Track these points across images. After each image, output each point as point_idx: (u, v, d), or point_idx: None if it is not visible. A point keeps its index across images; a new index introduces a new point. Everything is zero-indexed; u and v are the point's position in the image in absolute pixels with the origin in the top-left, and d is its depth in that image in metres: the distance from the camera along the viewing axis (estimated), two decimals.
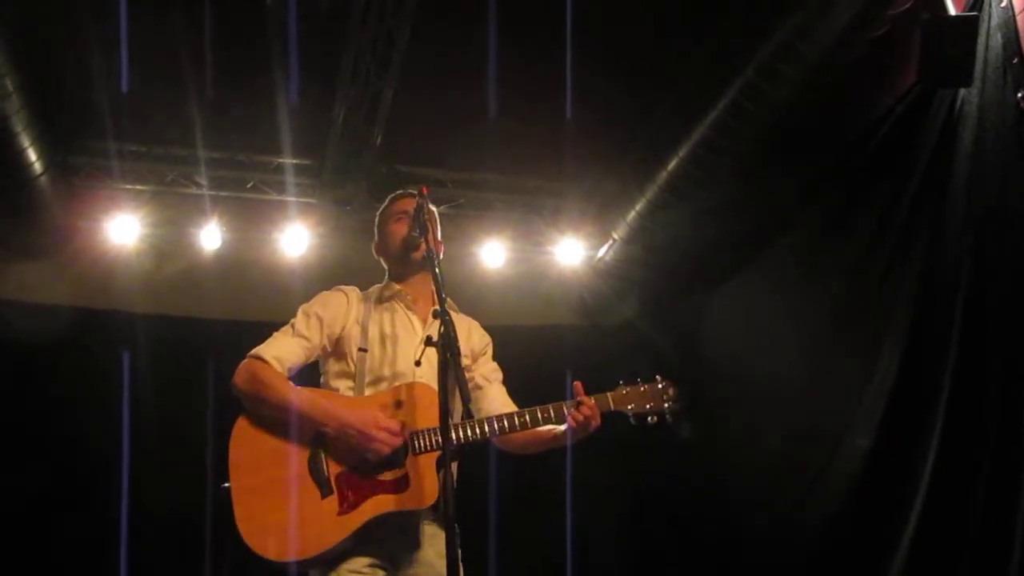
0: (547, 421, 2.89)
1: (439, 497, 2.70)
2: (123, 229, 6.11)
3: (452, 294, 2.90)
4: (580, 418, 2.86)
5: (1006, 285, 3.96)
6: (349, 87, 5.20)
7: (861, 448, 4.68)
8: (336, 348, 3.03)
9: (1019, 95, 3.84)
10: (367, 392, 2.95)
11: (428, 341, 2.64)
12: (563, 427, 2.91)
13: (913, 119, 4.51)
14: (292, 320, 3.03)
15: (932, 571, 4.18)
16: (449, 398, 2.59)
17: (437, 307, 2.69)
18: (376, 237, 3.28)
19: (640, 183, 5.89)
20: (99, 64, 5.17)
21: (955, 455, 4.11)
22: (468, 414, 2.55)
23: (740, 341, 5.84)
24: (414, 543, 2.83)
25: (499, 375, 3.22)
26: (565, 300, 7.15)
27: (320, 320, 3.01)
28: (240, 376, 2.88)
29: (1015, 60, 3.89)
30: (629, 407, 2.99)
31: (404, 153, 6.22)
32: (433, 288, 2.82)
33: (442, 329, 2.57)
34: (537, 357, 5.73)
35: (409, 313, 3.11)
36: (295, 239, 6.34)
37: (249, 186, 6.28)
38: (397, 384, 2.93)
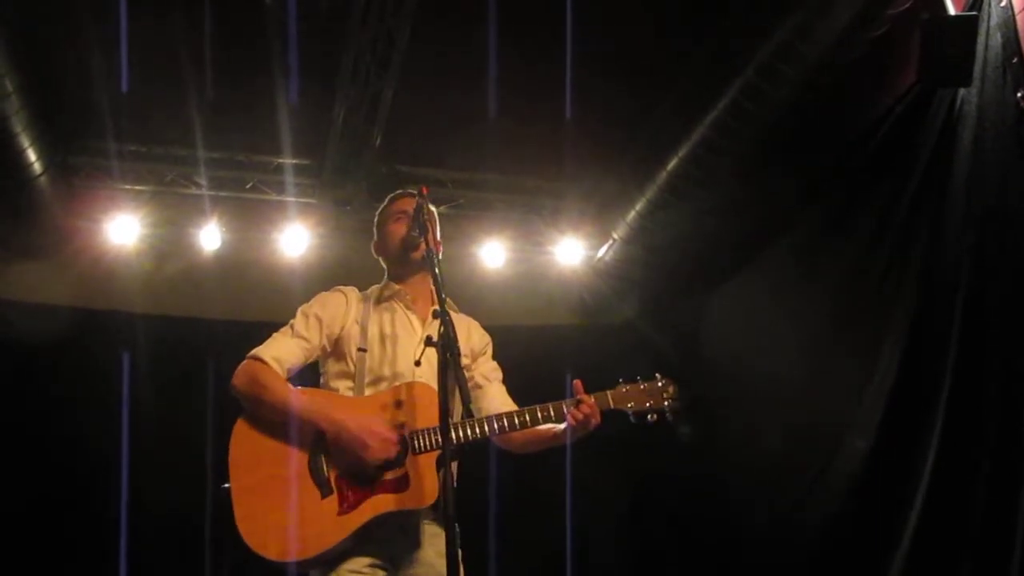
0: (547, 420, 2.89)
1: (439, 496, 2.70)
2: (123, 229, 6.11)
3: (452, 294, 2.90)
4: (580, 416, 2.85)
5: (1006, 285, 3.96)
6: (349, 87, 5.20)
7: (861, 448, 4.68)
8: (335, 348, 3.03)
9: (1018, 95, 3.84)
10: (367, 392, 2.95)
11: (428, 341, 2.64)
12: (563, 426, 2.90)
13: (913, 119, 4.51)
14: (291, 321, 3.03)
15: (932, 571, 4.18)
16: (449, 398, 2.59)
17: (436, 307, 2.69)
18: (375, 236, 3.27)
19: (640, 183, 5.89)
20: (99, 64, 5.17)
21: (955, 455, 4.12)
22: (468, 414, 2.55)
23: (740, 341, 5.84)
24: (414, 543, 2.82)
25: (499, 374, 3.21)
26: (565, 300, 7.15)
27: (319, 321, 3.01)
28: (239, 377, 2.88)
29: (1014, 60, 3.90)
30: (629, 405, 2.98)
31: (404, 153, 6.22)
32: (432, 288, 2.81)
33: (442, 329, 2.57)
34: (537, 357, 5.73)
35: (408, 313, 3.10)
36: (295, 239, 6.34)
37: (249, 186, 6.28)
38: (397, 384, 2.93)
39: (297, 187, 6.32)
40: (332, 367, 3.04)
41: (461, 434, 2.79)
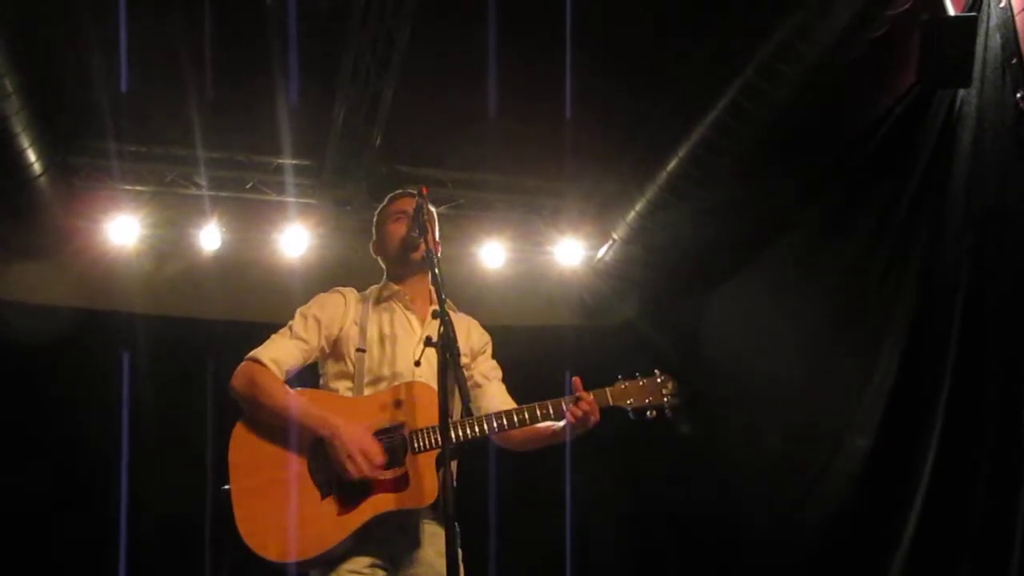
0: (546, 418, 2.89)
1: (439, 496, 2.70)
2: (123, 230, 6.11)
3: (452, 294, 2.90)
4: (579, 414, 2.85)
5: (1005, 285, 3.96)
6: (349, 87, 5.20)
7: (861, 448, 4.69)
8: (334, 349, 3.03)
9: (1018, 95, 3.84)
10: (366, 392, 2.95)
11: (427, 342, 2.64)
12: (562, 423, 2.90)
13: (912, 119, 4.51)
14: (289, 322, 3.03)
15: (932, 571, 4.18)
16: (448, 398, 2.59)
17: (436, 307, 2.69)
18: (374, 236, 3.27)
19: (640, 183, 5.89)
20: (99, 64, 5.17)
21: (955, 455, 4.12)
22: (468, 413, 2.55)
23: (740, 341, 5.84)
24: (414, 542, 2.83)
25: (498, 373, 3.21)
26: (565, 300, 7.15)
27: (318, 322, 3.01)
28: (237, 379, 2.88)
29: (1014, 60, 3.90)
30: (628, 402, 2.98)
31: (404, 153, 6.22)
32: (431, 288, 2.81)
33: (441, 330, 2.57)
34: (537, 358, 5.73)
35: (408, 313, 3.11)
36: (295, 239, 6.34)
37: (249, 186, 6.28)
38: (396, 383, 2.93)
39: (297, 187, 6.32)
40: (331, 368, 3.04)
41: (460, 433, 2.79)
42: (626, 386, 3.00)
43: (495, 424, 2.85)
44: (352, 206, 6.23)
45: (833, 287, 5.10)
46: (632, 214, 6.09)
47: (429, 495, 2.73)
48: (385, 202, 3.28)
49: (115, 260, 6.20)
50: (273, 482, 2.76)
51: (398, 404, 2.85)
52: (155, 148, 6.09)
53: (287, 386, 2.89)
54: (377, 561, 2.78)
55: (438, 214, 3.25)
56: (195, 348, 6.03)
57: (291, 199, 6.34)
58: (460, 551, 2.53)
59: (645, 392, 2.99)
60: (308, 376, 3.07)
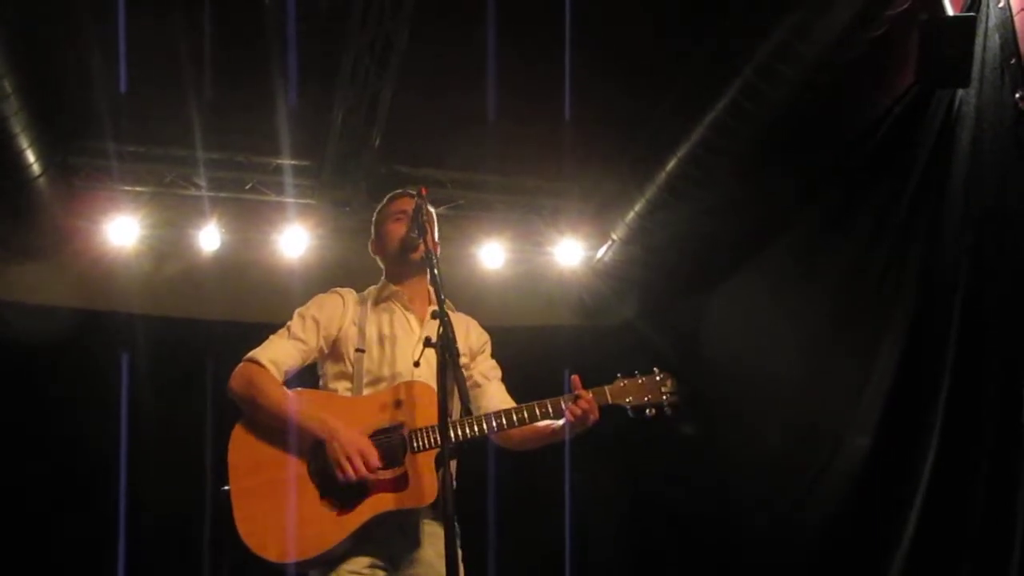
0: (545, 416, 2.89)
1: (438, 496, 2.70)
2: (122, 230, 6.11)
3: (451, 295, 2.90)
4: (578, 412, 2.86)
5: (1004, 285, 3.96)
6: (348, 88, 5.20)
7: (861, 448, 4.69)
8: (333, 350, 3.03)
9: (1017, 95, 3.84)
10: (365, 392, 2.95)
11: (427, 342, 2.64)
12: (561, 422, 2.90)
13: (911, 119, 4.52)
14: (288, 323, 3.03)
15: (932, 571, 4.18)
16: (448, 399, 2.59)
17: (435, 307, 2.69)
18: (373, 236, 3.27)
19: (639, 183, 5.89)
20: (98, 64, 5.17)
21: (954, 455, 4.12)
22: (467, 413, 2.56)
23: (740, 341, 5.84)
24: (414, 542, 2.83)
25: (498, 372, 3.22)
26: (564, 300, 7.15)
27: (316, 322, 3.01)
28: (236, 380, 2.88)
29: (1013, 60, 3.90)
30: (627, 400, 2.98)
31: (403, 154, 6.22)
32: (430, 288, 2.81)
33: (441, 330, 2.57)
34: (536, 358, 5.73)
35: (407, 313, 3.11)
36: (294, 240, 6.34)
37: (248, 187, 6.27)
38: (396, 384, 2.93)
39: (296, 188, 6.32)
40: (330, 368, 3.04)
41: (460, 432, 2.79)
42: (625, 384, 3.00)
43: (494, 423, 2.85)
44: (351, 207, 6.23)
45: (832, 287, 5.11)
46: (631, 214, 6.09)
47: (429, 495, 2.73)
48: (384, 202, 3.27)
49: (115, 260, 6.20)
50: (272, 482, 2.76)
51: (397, 404, 2.85)
52: (154, 148, 6.08)
53: (285, 388, 2.89)
54: (377, 561, 2.78)
55: (437, 215, 3.25)
56: (195, 349, 6.03)
57: (290, 200, 6.33)
58: (460, 551, 2.53)
59: (644, 390, 3.00)
60: (307, 376, 3.07)
